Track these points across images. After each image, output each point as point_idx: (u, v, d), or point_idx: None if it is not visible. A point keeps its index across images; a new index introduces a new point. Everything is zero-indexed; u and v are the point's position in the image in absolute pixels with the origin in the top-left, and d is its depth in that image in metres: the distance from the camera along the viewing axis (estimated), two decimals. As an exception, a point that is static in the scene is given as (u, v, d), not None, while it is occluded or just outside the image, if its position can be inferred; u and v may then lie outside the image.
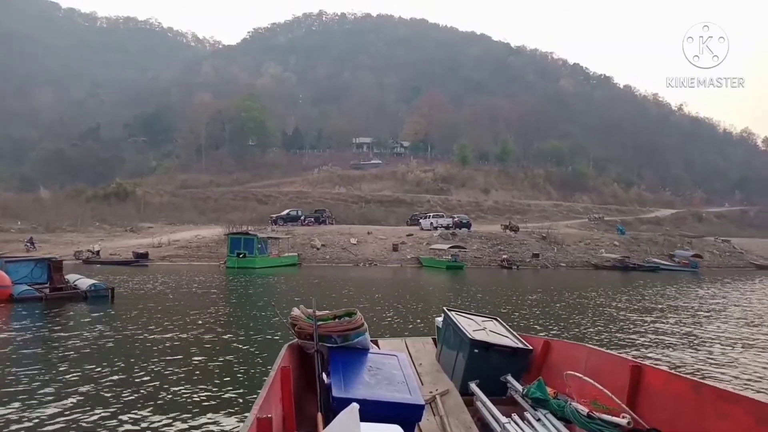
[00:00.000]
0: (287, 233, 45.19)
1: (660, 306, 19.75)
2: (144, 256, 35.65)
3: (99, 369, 8.73)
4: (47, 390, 7.51)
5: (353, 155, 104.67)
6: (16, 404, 6.87)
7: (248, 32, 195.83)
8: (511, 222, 54.61)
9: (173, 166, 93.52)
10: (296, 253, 40.65)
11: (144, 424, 6.36)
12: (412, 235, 47.53)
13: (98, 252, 36.35)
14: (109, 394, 7.38)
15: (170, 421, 6.48)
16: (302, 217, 53.57)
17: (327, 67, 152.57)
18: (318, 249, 42.91)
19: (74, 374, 8.45)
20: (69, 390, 7.55)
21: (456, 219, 52.56)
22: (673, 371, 3.85)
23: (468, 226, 51.29)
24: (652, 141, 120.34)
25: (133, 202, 60.28)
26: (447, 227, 49.79)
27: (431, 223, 51.43)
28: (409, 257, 42.39)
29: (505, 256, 43.10)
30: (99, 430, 6.19)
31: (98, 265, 33.06)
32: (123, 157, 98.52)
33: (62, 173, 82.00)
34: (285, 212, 55.12)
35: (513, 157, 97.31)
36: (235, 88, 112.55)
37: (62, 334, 12.03)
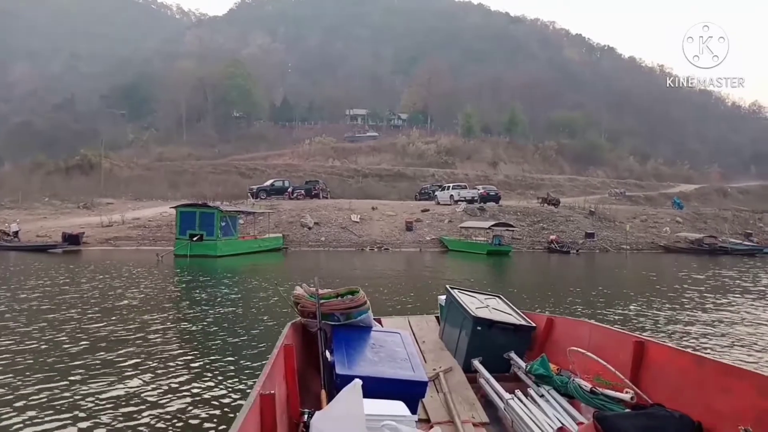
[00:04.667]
0: (271, 208, 37.52)
1: None
2: (75, 238, 27.51)
3: None
4: None
5: (347, 127, 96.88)
6: None
7: (235, 2, 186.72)
8: (550, 194, 46.83)
9: (151, 138, 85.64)
10: (281, 234, 32.61)
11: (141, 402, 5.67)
12: (428, 210, 39.20)
13: (16, 233, 27.97)
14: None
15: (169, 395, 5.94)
16: (290, 189, 44.58)
17: (318, 38, 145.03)
18: (310, 228, 34.87)
19: None
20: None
21: (482, 191, 43.81)
22: (676, 346, 3.66)
23: (497, 199, 42.73)
24: (664, 113, 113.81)
25: (98, 175, 52.66)
26: (471, 201, 41.33)
27: (451, 195, 42.75)
28: (428, 239, 34.56)
29: (553, 237, 35.20)
30: (104, 403, 5.60)
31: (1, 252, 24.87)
32: (98, 130, 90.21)
33: (31, 147, 73.98)
34: (269, 183, 46.83)
35: (522, 128, 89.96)
36: (219, 57, 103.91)
37: None
